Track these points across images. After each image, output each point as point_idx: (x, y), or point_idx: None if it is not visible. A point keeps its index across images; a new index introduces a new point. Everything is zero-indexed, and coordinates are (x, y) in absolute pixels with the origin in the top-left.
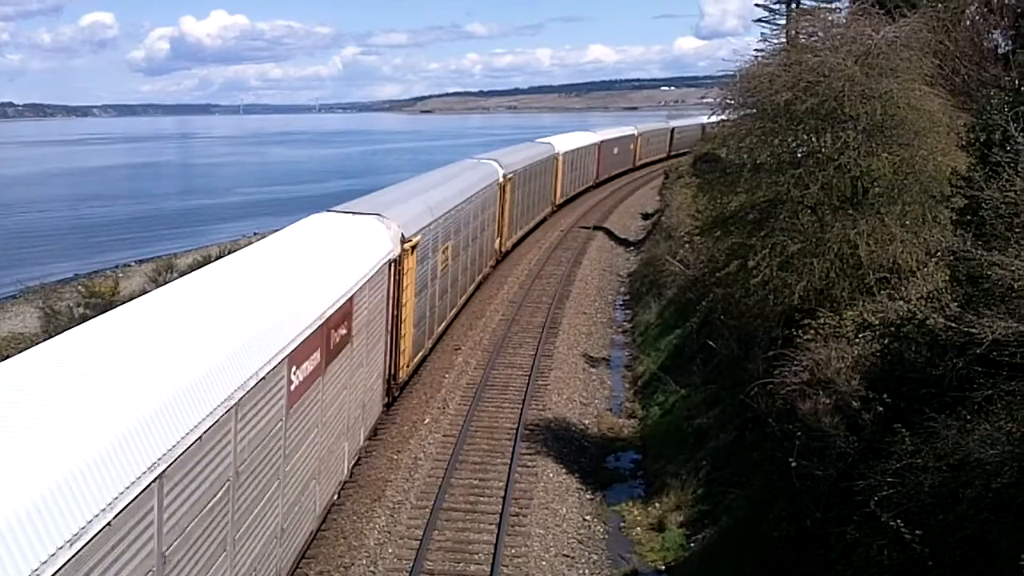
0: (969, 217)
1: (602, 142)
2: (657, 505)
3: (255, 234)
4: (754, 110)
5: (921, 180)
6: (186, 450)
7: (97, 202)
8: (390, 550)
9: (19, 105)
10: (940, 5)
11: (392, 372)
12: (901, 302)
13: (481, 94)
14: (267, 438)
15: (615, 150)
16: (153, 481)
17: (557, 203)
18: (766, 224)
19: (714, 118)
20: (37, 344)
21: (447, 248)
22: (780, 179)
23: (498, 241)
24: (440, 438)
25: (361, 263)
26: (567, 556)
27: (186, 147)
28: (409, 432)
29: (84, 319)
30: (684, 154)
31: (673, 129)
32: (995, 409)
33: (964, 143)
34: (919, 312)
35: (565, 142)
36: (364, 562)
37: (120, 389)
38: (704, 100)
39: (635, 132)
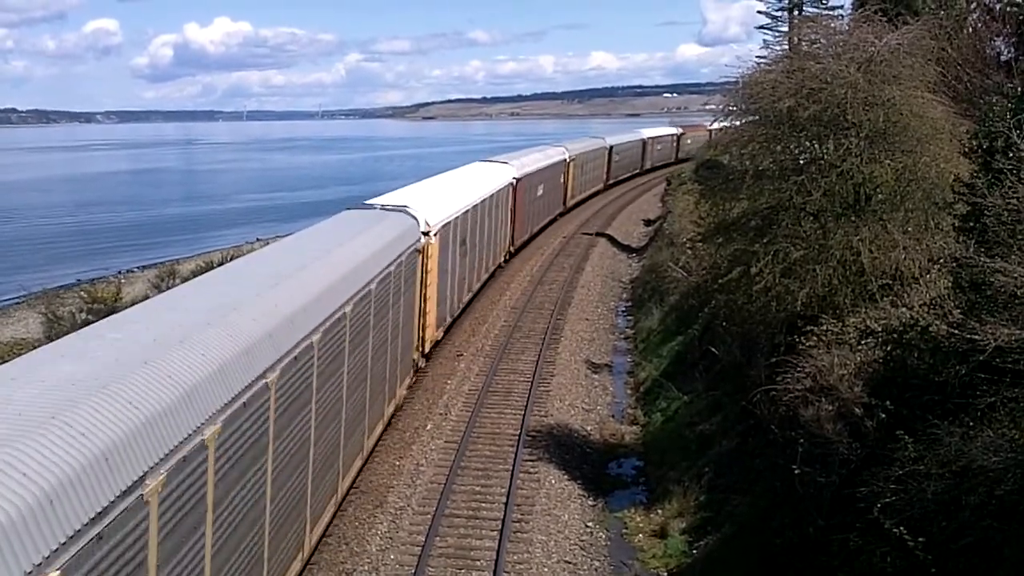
0: (972, 224)
1: (519, 180)
2: (659, 512)
3: (257, 240)
4: (756, 117)
5: (924, 187)
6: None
7: (99, 208)
8: (392, 556)
9: (23, 111)
10: (942, 12)
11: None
12: (904, 309)
13: (484, 101)
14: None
15: (539, 189)
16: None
17: (426, 346)
18: (768, 231)
19: (659, 132)
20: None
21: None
22: (782, 186)
23: None
24: (442, 444)
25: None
26: (569, 563)
27: (189, 153)
28: (411, 438)
29: (87, 325)
30: (625, 180)
31: (612, 148)
32: (998, 416)
33: (967, 150)
34: (922, 319)
35: (445, 202)
36: (366, 568)
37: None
38: (707, 107)
39: (566, 156)
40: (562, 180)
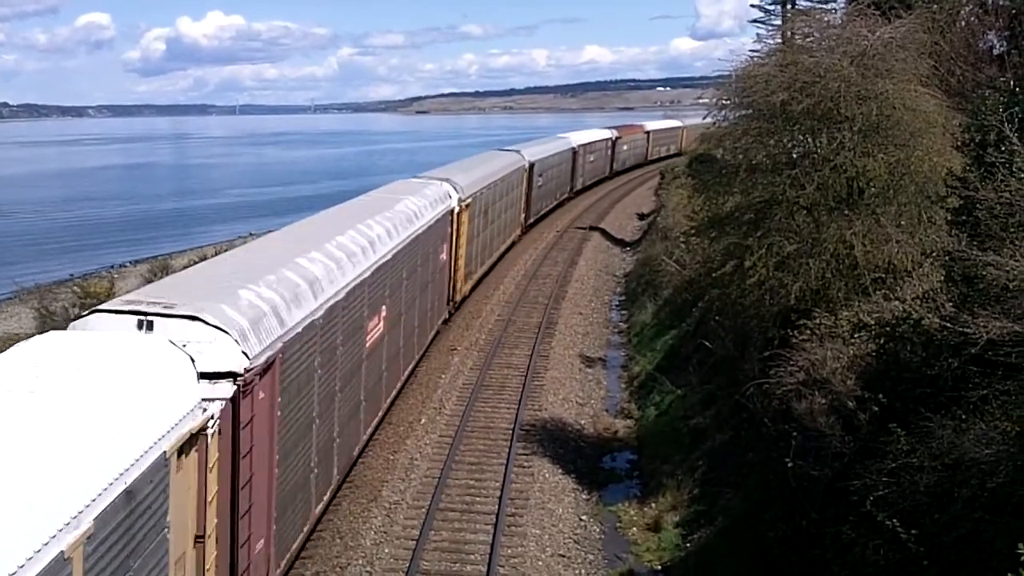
0: (964, 217)
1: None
2: (653, 505)
3: (250, 234)
4: (750, 111)
5: (916, 181)
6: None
7: (91, 203)
8: (387, 550)
9: (14, 106)
10: (935, 6)
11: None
12: (896, 302)
13: (477, 95)
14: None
15: (381, 308)
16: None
17: None
18: (762, 225)
19: (590, 137)
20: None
21: None
22: (776, 180)
23: None
24: (436, 438)
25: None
26: (563, 556)
27: (181, 148)
28: (405, 432)
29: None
30: (550, 213)
31: (532, 167)
32: (990, 409)
33: (959, 144)
34: (914, 312)
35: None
36: (360, 562)
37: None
38: (700, 100)
39: (453, 202)
40: (445, 254)
